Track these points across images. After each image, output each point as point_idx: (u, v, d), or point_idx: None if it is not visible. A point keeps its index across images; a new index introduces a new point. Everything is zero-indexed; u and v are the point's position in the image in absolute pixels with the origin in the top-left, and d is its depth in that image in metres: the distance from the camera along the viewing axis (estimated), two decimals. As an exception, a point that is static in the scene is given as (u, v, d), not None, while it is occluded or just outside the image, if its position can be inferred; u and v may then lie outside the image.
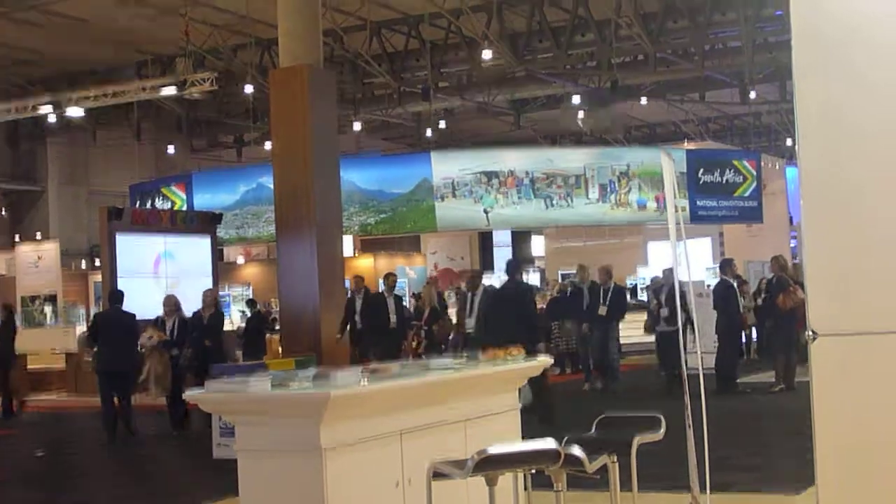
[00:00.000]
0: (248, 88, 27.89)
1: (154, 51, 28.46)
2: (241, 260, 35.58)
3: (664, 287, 17.64)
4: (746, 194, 30.87)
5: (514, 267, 15.89)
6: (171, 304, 16.35)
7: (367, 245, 35.09)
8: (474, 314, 15.97)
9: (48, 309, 27.51)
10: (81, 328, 26.13)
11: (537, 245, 39.08)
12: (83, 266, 34.05)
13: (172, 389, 15.55)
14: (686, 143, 34.78)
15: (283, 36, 18.11)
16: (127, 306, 15.87)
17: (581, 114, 34.32)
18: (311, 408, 5.67)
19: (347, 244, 30.55)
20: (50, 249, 29.34)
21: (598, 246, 30.33)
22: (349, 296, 18.29)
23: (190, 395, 6.16)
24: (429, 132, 36.10)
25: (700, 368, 9.29)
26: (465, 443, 6.39)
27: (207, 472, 11.45)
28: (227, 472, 5.94)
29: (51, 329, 25.59)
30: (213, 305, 16.62)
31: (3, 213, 32.33)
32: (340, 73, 26.61)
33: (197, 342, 15.78)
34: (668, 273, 17.50)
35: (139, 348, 15.66)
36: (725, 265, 19.15)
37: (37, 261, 28.82)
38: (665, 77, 29.44)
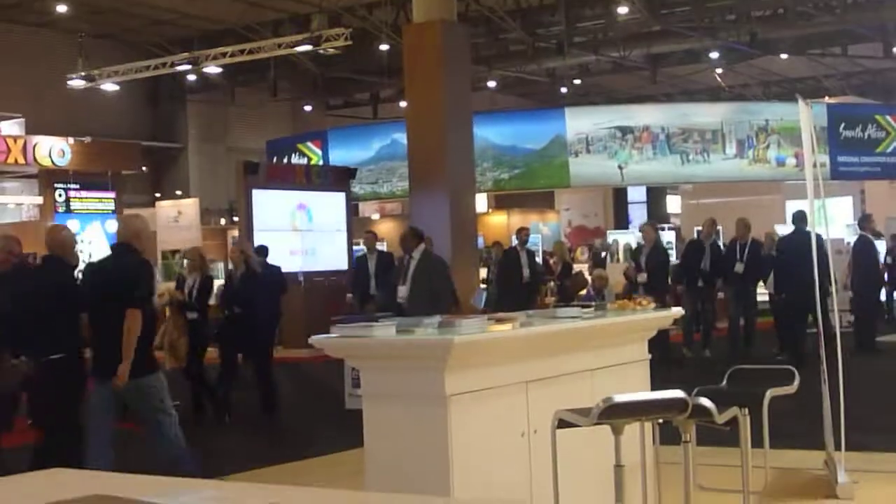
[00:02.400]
0: (383, 46, 28.00)
1: (290, 10, 28.66)
2: (375, 216, 35.78)
3: (644, 248, 16.65)
4: (889, 150, 29.99)
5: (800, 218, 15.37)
6: (195, 257, 13.87)
7: (501, 201, 35.02)
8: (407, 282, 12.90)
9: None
10: (220, 282, 26.54)
11: (673, 203, 38.55)
12: (222, 222, 34.57)
13: (189, 360, 13.15)
14: (827, 99, 33.89)
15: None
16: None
17: (718, 69, 33.74)
18: (435, 353, 5.62)
19: (481, 200, 30.55)
20: (190, 205, 29.81)
21: (735, 203, 29.74)
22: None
23: (315, 339, 6.14)
24: (563, 89, 35.83)
25: (837, 326, 9.05)
26: (592, 394, 6.27)
27: (339, 423, 11.50)
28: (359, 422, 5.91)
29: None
30: (244, 263, 13.71)
31: (144, 170, 32.92)
32: (475, 29, 26.48)
33: (226, 307, 13.81)
34: (649, 230, 16.96)
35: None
36: (864, 220, 18.65)
37: (177, 216, 29.29)
38: (805, 31, 28.73)
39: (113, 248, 8.75)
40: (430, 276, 12.80)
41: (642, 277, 16.01)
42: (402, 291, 12.80)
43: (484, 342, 5.89)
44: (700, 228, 19.06)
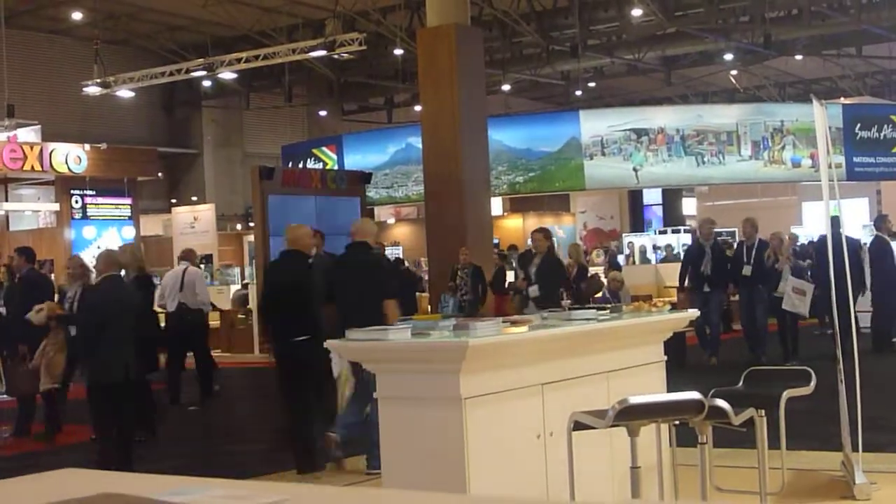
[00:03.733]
0: (398, 50, 28.04)
1: (305, 15, 28.72)
2: (391, 220, 35.83)
3: (534, 257, 14.42)
4: (906, 150, 29.94)
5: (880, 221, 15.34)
6: (75, 266, 12.42)
7: (516, 204, 35.04)
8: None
9: (204, 269, 28.03)
10: (236, 287, 26.62)
11: (689, 205, 38.53)
12: (238, 227, 34.66)
13: (65, 379, 12.01)
14: (842, 99, 33.82)
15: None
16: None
17: (733, 71, 33.71)
18: (451, 356, 5.62)
19: (496, 204, 30.56)
20: (206, 211, 29.91)
21: (751, 205, 29.69)
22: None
23: (330, 343, 6.17)
24: (577, 91, 35.84)
25: (854, 326, 9.02)
26: (608, 395, 6.27)
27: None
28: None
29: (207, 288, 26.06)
30: (82, 276, 11.98)
31: (161, 176, 33.03)
32: (488, 33, 26.50)
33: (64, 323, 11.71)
34: (540, 237, 14.40)
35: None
36: (880, 221, 18.56)
37: (193, 222, 29.40)
38: (820, 31, 28.68)
39: (351, 246, 9.97)
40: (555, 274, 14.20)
41: (533, 290, 14.06)
42: (534, 291, 13.94)
43: (498, 345, 5.90)
44: (698, 229, 18.54)
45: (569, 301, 10.01)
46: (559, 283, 14.24)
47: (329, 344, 6.20)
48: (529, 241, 15.83)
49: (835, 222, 14.83)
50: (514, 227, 32.93)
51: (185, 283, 15.38)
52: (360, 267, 9.72)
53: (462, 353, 5.54)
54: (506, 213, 34.31)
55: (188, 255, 16.63)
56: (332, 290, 9.82)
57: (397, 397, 5.90)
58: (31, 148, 26.91)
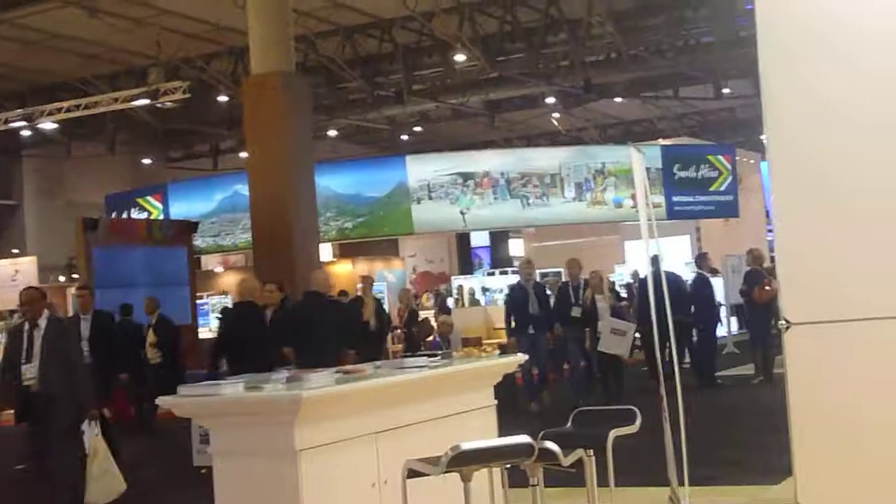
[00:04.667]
0: (222, 97, 27.88)
1: (127, 62, 28.34)
2: (219, 268, 35.46)
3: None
4: (722, 188, 30.92)
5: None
6: None
7: (346, 249, 35.03)
8: None
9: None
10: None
11: (516, 246, 39.07)
12: (61, 279, 33.89)
13: None
14: (661, 140, 34.78)
15: (255, 43, 18.09)
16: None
17: (555, 114, 34.33)
18: (284, 409, 5.64)
19: (325, 249, 30.51)
20: (27, 263, 29.23)
21: (577, 245, 30.30)
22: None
23: (162, 400, 6.12)
24: (404, 136, 36.08)
25: (676, 363, 9.29)
26: (442, 441, 6.35)
27: (188, 481, 11.35)
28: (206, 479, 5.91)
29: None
30: None
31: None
32: (314, 79, 26.54)
33: None
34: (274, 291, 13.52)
35: None
36: (700, 259, 19.19)
37: (14, 275, 28.69)
38: (638, 74, 29.46)
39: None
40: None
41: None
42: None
43: (333, 396, 5.93)
44: (518, 271, 18.49)
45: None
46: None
47: (161, 401, 6.14)
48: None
49: (654, 261, 15.19)
50: (344, 273, 32.88)
51: None
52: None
53: (297, 405, 5.57)
54: (335, 259, 34.27)
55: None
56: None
57: (232, 453, 5.88)
58: None
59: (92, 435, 9.35)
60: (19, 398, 9.72)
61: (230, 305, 17.53)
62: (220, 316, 16.11)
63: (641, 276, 20.48)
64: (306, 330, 12.52)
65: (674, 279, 16.10)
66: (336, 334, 12.93)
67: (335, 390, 6.00)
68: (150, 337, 17.35)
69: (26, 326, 9.72)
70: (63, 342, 9.76)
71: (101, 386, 13.24)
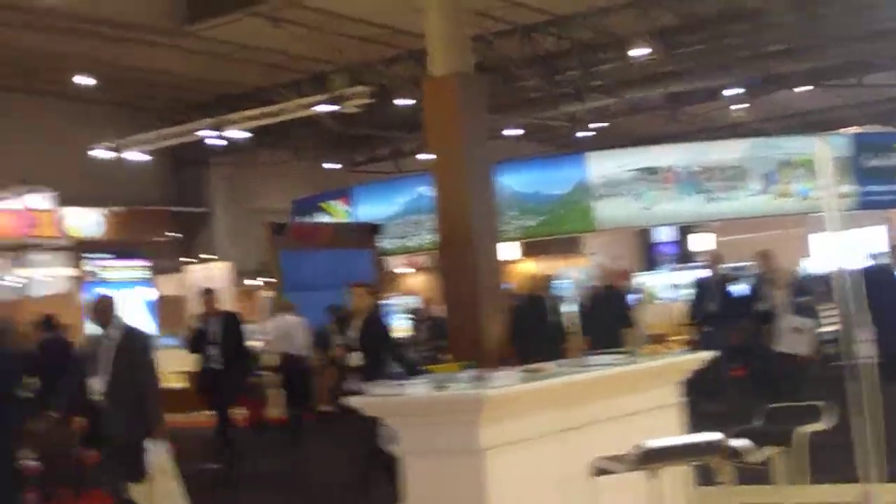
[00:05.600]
0: (403, 100, 28.21)
1: (309, 69, 28.91)
2: (405, 269, 35.86)
3: (352, 321, 12.14)
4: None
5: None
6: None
7: (529, 248, 35.05)
8: None
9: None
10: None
11: (700, 241, 38.51)
12: (252, 283, 34.73)
13: None
14: (849, 129, 33.83)
15: (433, 45, 18.21)
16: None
17: (737, 105, 33.79)
18: (469, 408, 5.69)
19: (511, 249, 30.60)
20: (220, 268, 30.05)
21: (761, 238, 29.69)
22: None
23: (351, 400, 6.24)
24: (583, 133, 35.96)
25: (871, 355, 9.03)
26: (627, 439, 6.33)
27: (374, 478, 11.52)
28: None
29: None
30: None
31: (169, 235, 33.20)
32: (492, 79, 26.65)
33: None
34: (362, 293, 12.24)
35: None
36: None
37: (207, 279, 29.51)
38: (818, 63, 28.79)
39: None
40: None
41: (356, 358, 11.68)
42: (356, 359, 11.70)
43: (517, 395, 5.96)
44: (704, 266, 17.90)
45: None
46: (384, 349, 11.85)
47: (351, 401, 6.26)
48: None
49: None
50: (528, 271, 32.97)
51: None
52: None
53: (480, 404, 5.61)
54: (520, 258, 34.34)
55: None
56: None
57: (419, 450, 5.96)
58: (44, 214, 27.16)
59: (159, 454, 8.93)
60: (89, 412, 9.32)
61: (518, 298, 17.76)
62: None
63: (837, 269, 19.48)
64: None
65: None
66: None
67: (519, 389, 6.03)
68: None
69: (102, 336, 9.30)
70: (132, 355, 9.19)
71: (230, 388, 13.69)
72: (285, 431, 16.91)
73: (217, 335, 13.75)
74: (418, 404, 5.98)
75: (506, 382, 6.00)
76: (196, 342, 13.97)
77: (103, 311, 9.40)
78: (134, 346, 9.31)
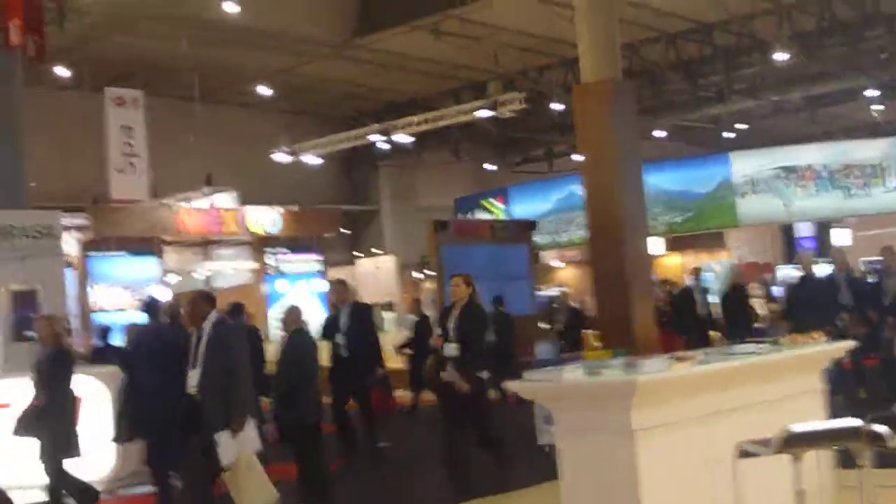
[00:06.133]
0: (555, 105, 28.23)
1: (467, 77, 29.12)
2: (557, 263, 35.84)
3: (452, 311, 10.99)
4: None
5: None
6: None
7: (674, 243, 34.72)
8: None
9: (387, 315, 28.48)
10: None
11: (840, 236, 37.61)
12: (416, 275, 35.09)
13: None
14: None
15: (584, 53, 18.15)
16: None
17: (875, 106, 32.94)
18: (622, 393, 5.71)
19: (657, 244, 30.40)
20: (387, 261, 30.48)
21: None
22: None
23: (509, 385, 6.31)
24: (727, 134, 35.48)
25: None
26: (770, 424, 6.26)
27: (532, 457, 11.57)
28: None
29: (388, 332, 26.42)
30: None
31: (345, 232, 33.74)
32: (639, 83, 26.47)
33: None
34: (460, 282, 11.14)
35: None
36: None
37: (375, 272, 29.96)
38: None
39: None
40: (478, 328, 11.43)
41: (451, 349, 10.75)
42: (451, 349, 10.81)
43: (666, 381, 5.96)
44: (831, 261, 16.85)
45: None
46: (482, 339, 11.15)
47: (509, 385, 6.31)
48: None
49: None
50: (673, 265, 32.67)
51: None
52: None
53: (632, 389, 5.63)
54: (666, 252, 34.06)
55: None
56: None
57: (575, 431, 6.00)
58: (228, 212, 27.87)
59: (242, 446, 8.58)
60: (183, 406, 8.92)
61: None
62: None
63: None
64: None
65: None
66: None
67: (668, 375, 6.02)
68: None
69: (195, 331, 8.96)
70: (222, 349, 8.76)
71: (352, 376, 12.91)
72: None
73: (345, 324, 13.21)
74: (576, 389, 6.02)
75: (657, 369, 6.00)
76: (327, 330, 13.47)
77: (194, 306, 9.10)
78: (225, 339, 8.88)
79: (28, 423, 10.00)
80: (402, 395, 18.45)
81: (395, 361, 19.61)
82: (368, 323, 13.86)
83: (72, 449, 9.92)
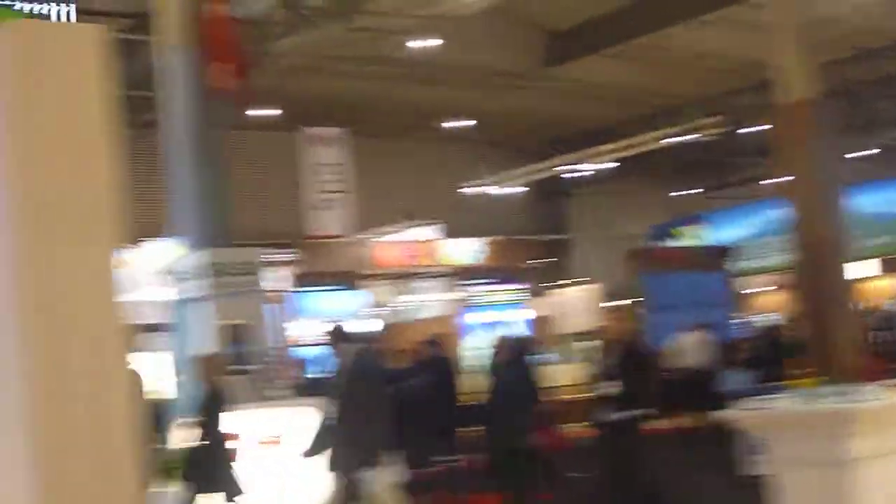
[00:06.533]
0: (752, 128, 27.79)
1: (660, 103, 28.91)
2: (761, 289, 35.04)
3: (614, 345, 10.40)
4: None
5: None
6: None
7: (887, 265, 33.58)
8: None
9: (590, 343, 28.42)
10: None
11: None
12: (615, 303, 34.82)
13: None
14: None
15: (782, 75, 17.90)
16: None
17: None
18: (843, 421, 5.62)
19: (869, 266, 29.60)
20: (591, 290, 30.45)
21: None
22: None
23: (721, 414, 6.28)
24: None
25: None
26: None
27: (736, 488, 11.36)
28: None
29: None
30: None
31: (538, 260, 33.87)
32: (839, 103, 25.85)
33: None
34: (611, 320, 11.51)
35: None
36: None
37: (580, 300, 29.97)
38: None
39: None
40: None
41: (609, 386, 10.01)
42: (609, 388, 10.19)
43: (887, 408, 5.83)
44: None
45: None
46: (650, 378, 10.37)
47: (724, 414, 6.27)
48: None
49: None
50: (883, 287, 31.65)
51: None
52: None
53: (854, 417, 5.54)
54: (879, 274, 32.98)
55: None
56: None
57: (790, 460, 5.92)
58: (424, 244, 28.41)
59: (383, 483, 8.68)
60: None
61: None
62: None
63: None
64: None
65: None
66: None
67: (890, 403, 5.89)
68: None
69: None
70: (360, 382, 8.91)
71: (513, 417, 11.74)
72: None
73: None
74: (794, 418, 5.94)
75: (876, 397, 5.87)
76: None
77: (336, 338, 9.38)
78: (363, 372, 9.04)
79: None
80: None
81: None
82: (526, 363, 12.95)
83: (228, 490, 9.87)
